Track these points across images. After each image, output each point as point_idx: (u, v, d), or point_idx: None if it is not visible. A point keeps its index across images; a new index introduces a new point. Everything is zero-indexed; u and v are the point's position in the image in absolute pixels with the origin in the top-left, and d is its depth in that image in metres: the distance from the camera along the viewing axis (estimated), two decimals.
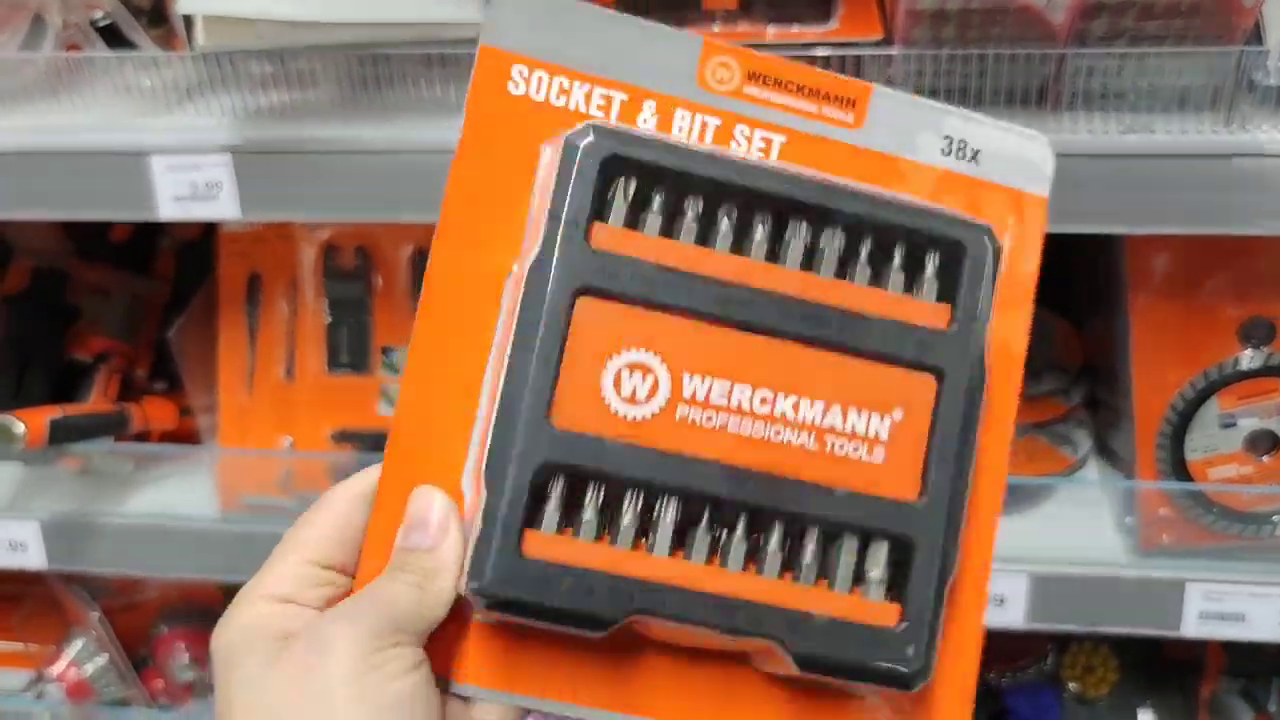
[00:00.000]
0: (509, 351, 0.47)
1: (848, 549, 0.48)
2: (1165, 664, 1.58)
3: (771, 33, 1.08)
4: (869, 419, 0.47)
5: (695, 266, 0.48)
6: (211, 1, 1.03)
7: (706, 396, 0.47)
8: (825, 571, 0.48)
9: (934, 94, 1.04)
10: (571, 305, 0.47)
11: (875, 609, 0.46)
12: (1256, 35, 1.02)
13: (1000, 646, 1.56)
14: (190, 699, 1.61)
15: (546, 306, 0.47)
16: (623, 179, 0.49)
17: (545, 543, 0.46)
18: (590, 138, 0.48)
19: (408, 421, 0.48)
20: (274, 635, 0.46)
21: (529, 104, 0.50)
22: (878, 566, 0.48)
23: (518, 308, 0.47)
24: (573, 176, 0.48)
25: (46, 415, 1.26)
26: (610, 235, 0.48)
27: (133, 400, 1.43)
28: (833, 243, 0.49)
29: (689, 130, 0.51)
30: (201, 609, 1.66)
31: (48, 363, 1.50)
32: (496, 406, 0.47)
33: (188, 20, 1.07)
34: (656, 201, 0.49)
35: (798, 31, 1.08)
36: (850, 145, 0.52)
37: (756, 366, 0.47)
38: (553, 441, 0.46)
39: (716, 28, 1.09)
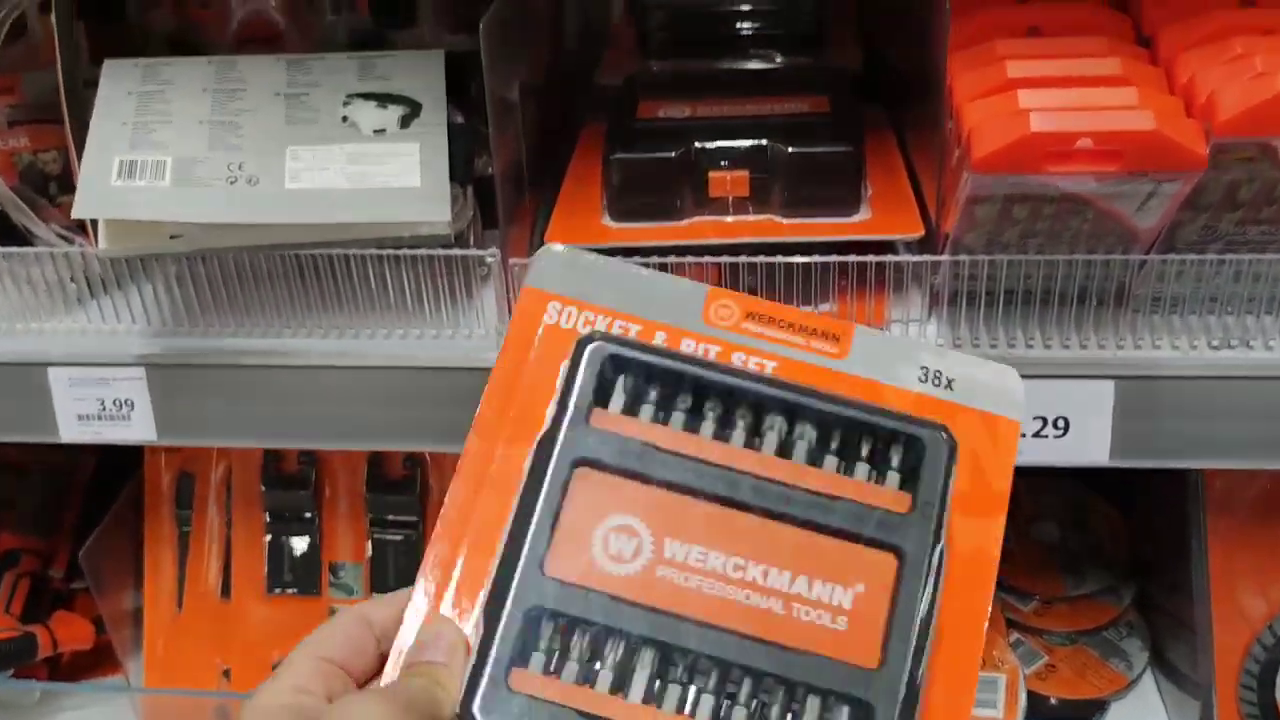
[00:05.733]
0: (514, 509, 0.53)
1: (810, 710, 0.51)
2: None
3: (787, 225, 0.91)
4: (833, 590, 0.52)
5: (680, 448, 0.54)
6: (112, 205, 0.85)
7: (685, 559, 0.52)
8: None
9: (989, 296, 0.89)
10: (570, 474, 0.54)
11: None
12: None
13: None
14: None
15: (549, 474, 0.53)
16: (623, 376, 0.56)
17: (530, 680, 0.51)
18: (597, 341, 0.56)
19: (436, 561, 0.55)
20: (297, 715, 0.51)
21: (560, 330, 0.58)
22: None
23: (525, 474, 0.54)
24: (580, 370, 0.55)
25: None
26: (607, 419, 0.55)
27: (40, 621, 1.23)
28: (805, 435, 0.55)
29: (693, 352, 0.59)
30: None
31: None
32: (499, 555, 0.53)
33: None
34: (651, 395, 0.56)
35: (820, 224, 0.91)
36: (835, 371, 0.58)
37: (731, 537, 0.52)
38: (544, 589, 0.52)
39: (728, 219, 0.92)
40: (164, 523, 1.23)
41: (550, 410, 0.56)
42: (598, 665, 0.52)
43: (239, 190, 0.87)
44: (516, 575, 0.52)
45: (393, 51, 0.98)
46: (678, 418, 0.56)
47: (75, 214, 0.86)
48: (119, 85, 0.93)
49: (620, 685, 0.52)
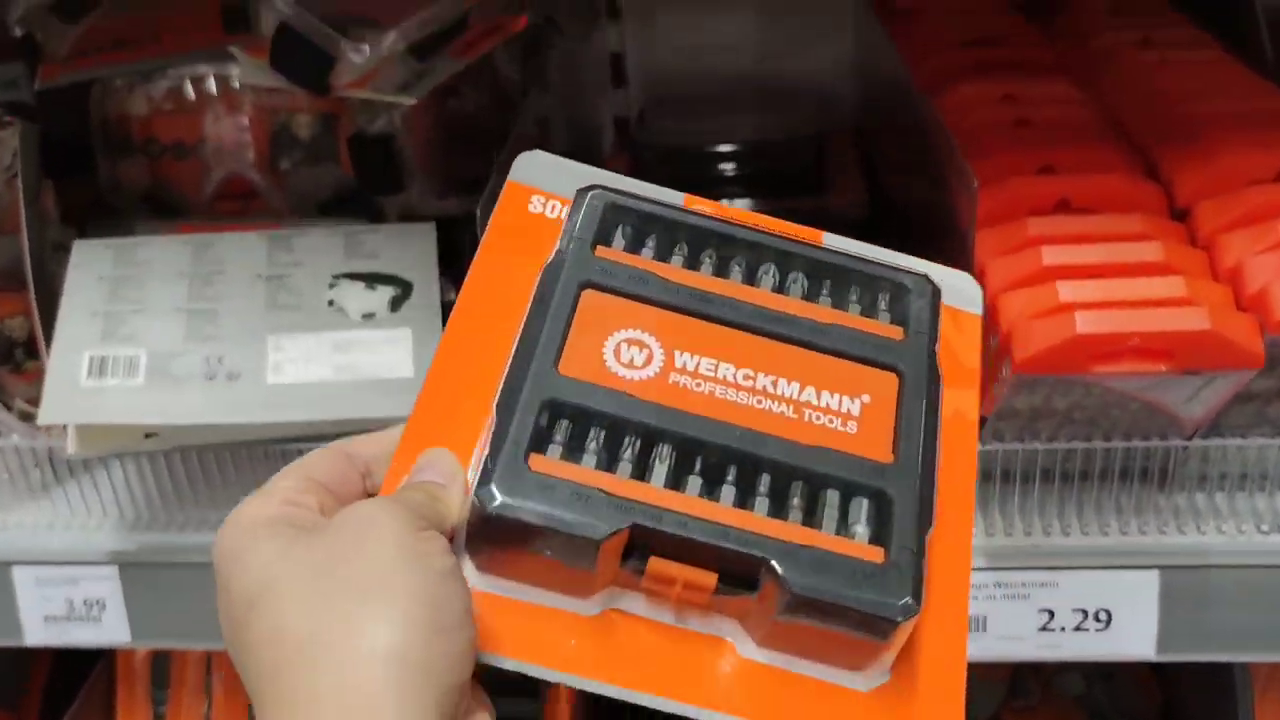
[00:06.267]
0: (522, 326, 0.54)
1: (830, 503, 0.52)
2: None
3: None
4: (840, 399, 0.53)
5: (682, 280, 0.57)
6: (82, 409, 0.78)
7: (696, 368, 0.54)
8: (810, 523, 0.52)
9: (1024, 479, 0.84)
10: (578, 295, 0.55)
11: (863, 548, 0.50)
12: None
13: None
14: None
15: (557, 294, 0.55)
16: (621, 225, 0.58)
17: (549, 464, 0.50)
18: (597, 189, 0.59)
19: (428, 405, 0.54)
20: (289, 525, 0.47)
21: (543, 219, 0.60)
22: (860, 522, 0.51)
23: (531, 299, 0.55)
24: (582, 211, 0.58)
25: None
26: (611, 252, 0.57)
27: None
28: (799, 281, 0.58)
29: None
30: None
31: None
32: (510, 362, 0.53)
33: None
34: (650, 242, 0.58)
35: None
36: None
37: (738, 352, 0.55)
38: (559, 383, 0.52)
39: None
40: (139, 703, 1.15)
41: (553, 246, 0.58)
42: (617, 460, 0.52)
43: (217, 387, 0.81)
44: (530, 373, 0.52)
45: (381, 225, 0.93)
46: (676, 261, 0.58)
47: (42, 420, 0.80)
48: (89, 270, 0.87)
49: (641, 475, 0.52)
